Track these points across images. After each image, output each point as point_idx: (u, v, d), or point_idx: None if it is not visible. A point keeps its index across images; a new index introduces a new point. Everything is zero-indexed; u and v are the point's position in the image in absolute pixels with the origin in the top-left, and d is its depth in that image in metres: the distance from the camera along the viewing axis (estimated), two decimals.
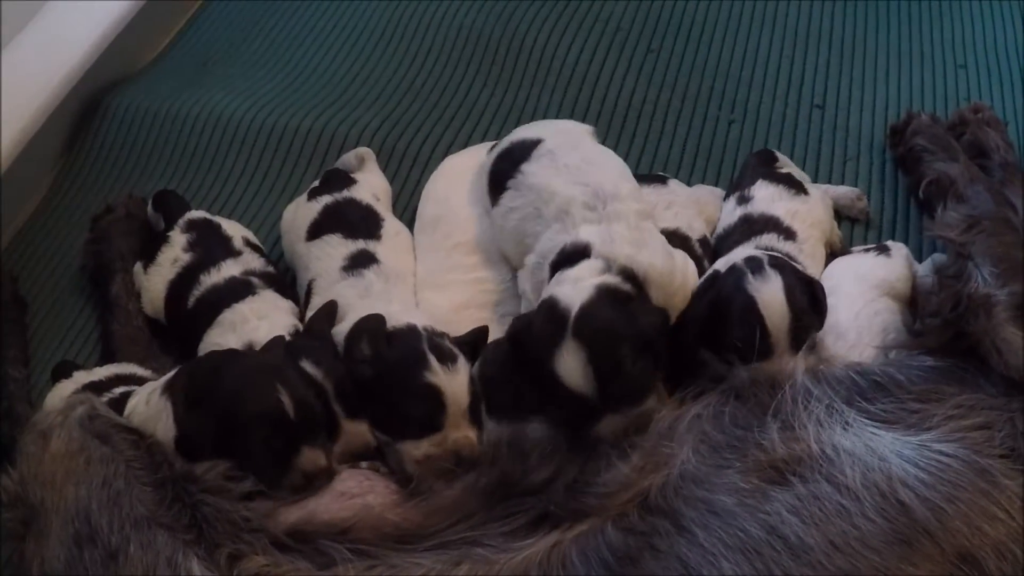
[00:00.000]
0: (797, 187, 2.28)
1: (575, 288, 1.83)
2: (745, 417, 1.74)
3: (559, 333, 1.77)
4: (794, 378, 1.77)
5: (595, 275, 1.85)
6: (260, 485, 1.72)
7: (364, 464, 1.85)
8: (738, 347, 1.84)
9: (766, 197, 2.23)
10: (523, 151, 2.16)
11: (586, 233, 1.93)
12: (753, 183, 2.28)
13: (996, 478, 1.59)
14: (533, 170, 2.11)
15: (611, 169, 2.10)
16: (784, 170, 2.36)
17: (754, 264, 1.89)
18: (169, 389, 1.79)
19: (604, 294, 1.82)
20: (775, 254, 1.99)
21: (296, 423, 1.74)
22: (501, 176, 2.16)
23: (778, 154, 2.46)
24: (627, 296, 1.84)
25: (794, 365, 1.81)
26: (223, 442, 1.72)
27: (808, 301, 1.88)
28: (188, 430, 1.74)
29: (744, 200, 2.25)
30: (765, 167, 2.36)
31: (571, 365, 1.76)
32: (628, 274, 1.87)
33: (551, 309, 1.82)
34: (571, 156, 2.10)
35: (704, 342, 1.91)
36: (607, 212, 1.96)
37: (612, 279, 1.85)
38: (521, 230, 2.07)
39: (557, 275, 1.89)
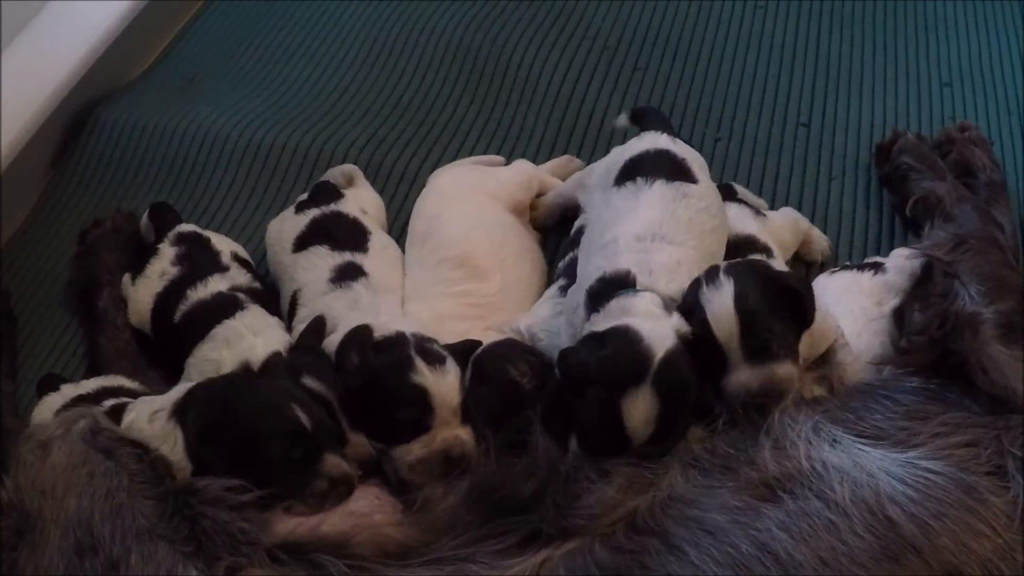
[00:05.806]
0: (754, 209, 2.28)
1: (656, 328, 1.77)
2: (738, 436, 1.74)
3: (639, 375, 1.72)
4: (790, 390, 1.77)
5: (659, 308, 1.80)
6: (279, 498, 1.73)
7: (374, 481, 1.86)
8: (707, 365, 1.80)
9: (735, 216, 2.20)
10: (683, 171, 2.07)
11: (624, 261, 1.88)
12: None
13: (983, 495, 1.60)
14: (662, 194, 2.00)
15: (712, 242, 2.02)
16: (740, 197, 2.35)
17: (710, 273, 1.84)
18: (178, 416, 1.79)
19: (682, 345, 1.76)
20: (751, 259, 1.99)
21: (314, 433, 1.77)
22: (645, 167, 2.06)
23: (737, 187, 2.44)
24: (689, 343, 1.78)
25: (789, 373, 1.79)
26: (244, 466, 1.73)
27: (780, 303, 1.80)
28: (207, 460, 1.75)
29: None
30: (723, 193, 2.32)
31: (639, 413, 1.72)
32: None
33: (631, 343, 1.75)
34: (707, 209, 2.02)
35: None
36: (650, 246, 1.91)
37: (683, 326, 1.78)
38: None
39: (616, 301, 1.83)
